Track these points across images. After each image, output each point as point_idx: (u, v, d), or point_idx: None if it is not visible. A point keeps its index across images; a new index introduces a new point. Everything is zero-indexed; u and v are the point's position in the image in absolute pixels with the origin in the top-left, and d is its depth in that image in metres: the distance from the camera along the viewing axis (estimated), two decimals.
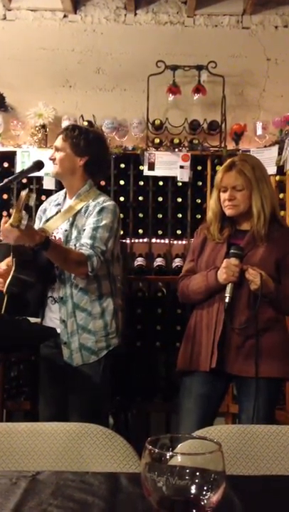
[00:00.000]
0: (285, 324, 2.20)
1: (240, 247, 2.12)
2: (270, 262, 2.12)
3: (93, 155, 2.37)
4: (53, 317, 2.32)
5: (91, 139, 2.37)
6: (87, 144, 2.35)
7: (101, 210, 2.27)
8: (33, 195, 2.28)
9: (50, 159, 2.37)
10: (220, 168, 2.28)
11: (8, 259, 2.28)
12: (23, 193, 2.06)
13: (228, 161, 2.27)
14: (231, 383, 2.31)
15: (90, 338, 2.26)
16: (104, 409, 2.40)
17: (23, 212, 1.98)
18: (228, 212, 2.20)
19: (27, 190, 2.15)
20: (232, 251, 2.11)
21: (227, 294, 2.08)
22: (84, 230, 2.26)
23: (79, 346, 2.25)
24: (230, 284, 2.08)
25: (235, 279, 2.07)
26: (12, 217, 2.00)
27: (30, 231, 2.04)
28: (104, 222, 2.24)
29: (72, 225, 2.31)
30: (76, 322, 2.26)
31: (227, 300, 2.07)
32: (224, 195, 2.19)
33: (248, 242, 2.16)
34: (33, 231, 2.07)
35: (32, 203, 2.32)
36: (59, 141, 2.36)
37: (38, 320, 2.33)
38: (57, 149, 2.35)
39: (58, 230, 2.34)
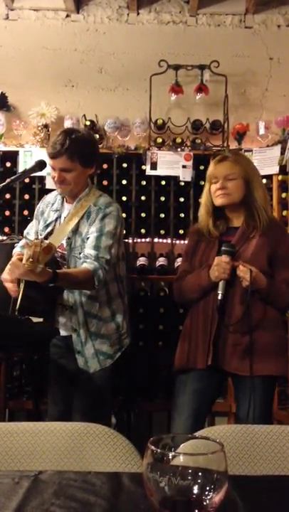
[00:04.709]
0: (281, 322, 2.21)
1: (232, 244, 2.13)
2: (262, 256, 2.13)
3: (97, 161, 2.35)
4: (62, 323, 2.32)
5: (92, 146, 2.30)
6: (92, 153, 2.28)
7: (104, 217, 2.23)
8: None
9: (58, 181, 2.22)
10: (211, 162, 2.28)
11: (19, 253, 2.27)
12: (37, 248, 1.86)
13: (220, 154, 2.28)
14: (226, 380, 2.31)
15: (105, 342, 2.26)
16: (107, 410, 2.41)
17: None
18: (219, 201, 2.19)
19: (39, 242, 1.92)
20: (223, 248, 2.12)
21: (219, 292, 2.09)
22: (87, 238, 2.23)
23: (94, 352, 2.25)
24: (222, 282, 2.09)
25: (226, 277, 2.08)
26: (27, 262, 1.85)
27: (42, 273, 1.92)
28: (106, 229, 2.21)
29: (75, 232, 2.27)
30: (88, 330, 2.25)
31: (219, 297, 2.09)
32: (215, 186, 2.20)
33: (239, 238, 2.17)
34: (44, 272, 1.93)
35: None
36: (65, 163, 2.17)
37: (40, 320, 2.33)
38: (64, 170, 2.19)
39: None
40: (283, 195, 3.30)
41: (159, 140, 3.43)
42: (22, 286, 2.14)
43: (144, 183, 3.46)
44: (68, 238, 2.27)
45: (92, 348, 2.25)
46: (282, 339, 2.20)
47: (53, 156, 2.18)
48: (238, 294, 2.11)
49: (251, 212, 2.17)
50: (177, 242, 3.47)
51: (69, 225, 2.28)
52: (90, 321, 2.25)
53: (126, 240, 3.39)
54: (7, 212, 3.39)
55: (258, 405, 2.06)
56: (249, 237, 2.16)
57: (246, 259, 2.10)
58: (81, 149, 2.19)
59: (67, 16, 3.77)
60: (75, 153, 2.17)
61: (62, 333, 2.32)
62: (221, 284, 2.09)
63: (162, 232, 3.45)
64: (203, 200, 2.28)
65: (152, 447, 0.71)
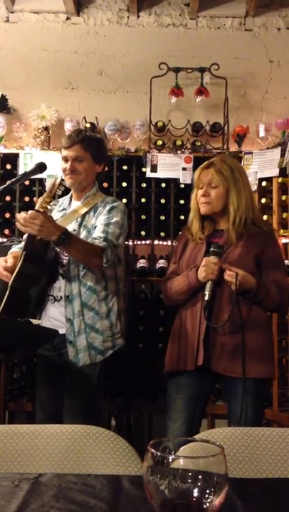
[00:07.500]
0: (269, 324, 2.21)
1: (220, 245, 2.14)
2: (249, 258, 2.14)
3: (105, 161, 2.49)
4: (51, 316, 2.32)
5: (102, 145, 2.52)
6: (102, 151, 2.48)
7: (111, 209, 2.32)
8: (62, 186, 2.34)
9: (71, 170, 2.34)
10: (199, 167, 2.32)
11: (15, 253, 2.27)
12: (57, 180, 2.16)
13: (208, 161, 2.30)
14: (216, 382, 2.30)
15: (98, 337, 2.26)
16: (99, 410, 2.39)
17: (53, 200, 2.00)
18: (202, 210, 2.23)
19: (59, 178, 2.22)
20: (211, 249, 2.13)
21: (206, 292, 2.09)
22: (95, 227, 2.29)
23: (87, 345, 2.25)
24: (209, 282, 2.09)
25: (214, 277, 2.08)
26: (40, 201, 2.05)
27: (53, 222, 2.08)
28: (115, 219, 2.28)
29: (80, 225, 2.33)
30: (84, 321, 2.26)
31: (206, 298, 2.09)
32: (200, 192, 2.23)
33: (226, 241, 2.18)
34: (54, 222, 2.11)
35: (59, 192, 2.40)
36: (79, 151, 2.34)
37: (39, 322, 2.32)
38: (76, 159, 2.34)
39: None
40: (283, 197, 3.30)
41: (160, 142, 3.43)
42: (20, 261, 2.12)
43: (144, 185, 3.46)
44: (74, 230, 2.31)
45: (84, 341, 2.25)
46: (271, 341, 2.22)
47: (68, 146, 2.35)
48: (226, 295, 2.11)
49: (233, 220, 2.18)
50: None
51: (74, 216, 2.35)
52: (86, 313, 2.26)
53: (126, 242, 3.39)
54: (7, 215, 3.39)
55: (249, 408, 2.05)
56: (234, 242, 2.17)
57: (234, 260, 2.11)
58: (93, 144, 2.40)
59: (68, 18, 3.78)
60: (88, 145, 2.37)
61: (49, 325, 2.31)
62: (208, 285, 2.09)
63: (162, 234, 3.45)
64: (192, 205, 2.30)
65: (152, 450, 0.71)
